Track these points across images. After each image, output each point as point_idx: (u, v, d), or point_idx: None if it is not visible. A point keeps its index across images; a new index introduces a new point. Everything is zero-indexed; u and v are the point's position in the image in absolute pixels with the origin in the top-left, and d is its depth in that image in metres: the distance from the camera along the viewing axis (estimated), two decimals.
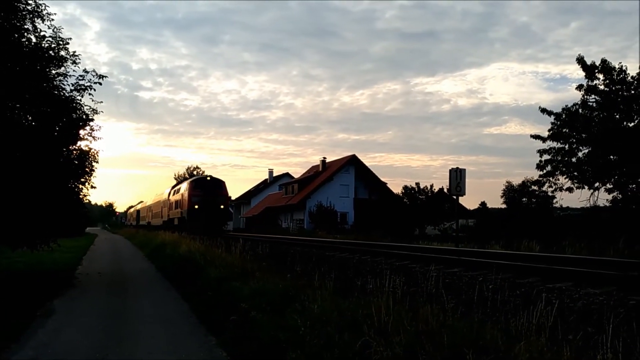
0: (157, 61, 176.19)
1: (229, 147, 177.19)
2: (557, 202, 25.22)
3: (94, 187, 16.91)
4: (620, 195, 20.56)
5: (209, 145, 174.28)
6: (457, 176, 18.25)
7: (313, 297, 7.54)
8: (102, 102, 14.60)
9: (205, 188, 35.87)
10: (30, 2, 12.58)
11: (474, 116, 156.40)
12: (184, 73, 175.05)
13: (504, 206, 35.56)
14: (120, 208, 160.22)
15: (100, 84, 14.09)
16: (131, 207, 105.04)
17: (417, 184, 49.33)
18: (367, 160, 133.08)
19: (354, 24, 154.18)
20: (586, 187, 21.64)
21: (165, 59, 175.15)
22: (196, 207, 34.29)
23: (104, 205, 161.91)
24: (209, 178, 38.22)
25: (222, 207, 35.57)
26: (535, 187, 28.01)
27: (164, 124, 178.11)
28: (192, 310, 10.27)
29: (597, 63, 21.29)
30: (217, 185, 36.75)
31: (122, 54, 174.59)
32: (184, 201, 36.84)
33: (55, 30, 13.27)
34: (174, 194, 43.36)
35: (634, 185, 20.46)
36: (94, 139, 15.31)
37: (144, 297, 12.49)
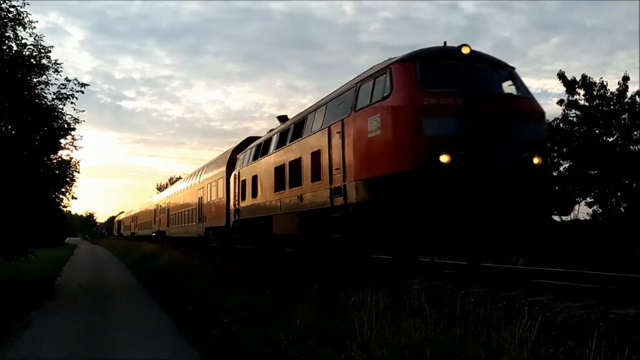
0: (141, 71, 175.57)
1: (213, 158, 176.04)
2: None
3: (75, 198, 16.74)
4: (600, 210, 20.80)
5: (192, 155, 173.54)
6: None
7: (296, 310, 7.49)
8: (84, 111, 14.48)
9: None
10: (11, 9, 12.49)
11: None
12: (167, 83, 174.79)
13: None
14: (101, 218, 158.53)
15: (83, 92, 13.97)
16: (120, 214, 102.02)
17: None
18: None
19: (337, 36, 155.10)
20: None
21: (148, 69, 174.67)
22: None
23: (84, 215, 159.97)
24: None
25: None
26: None
27: (146, 134, 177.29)
28: (174, 322, 10.15)
29: (578, 78, 21.59)
30: None
31: (105, 63, 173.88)
32: None
33: (37, 38, 13.18)
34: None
35: (614, 200, 20.72)
36: (75, 149, 15.16)
37: (124, 309, 12.32)
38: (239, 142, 23.05)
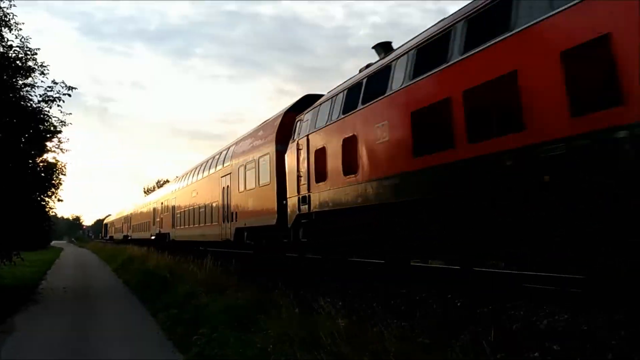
0: (128, 73, 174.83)
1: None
2: None
3: (61, 200, 16.59)
4: None
5: (180, 158, 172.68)
6: None
7: (278, 314, 7.48)
8: (70, 113, 14.37)
9: None
10: None
11: None
12: (155, 85, 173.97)
13: None
14: (87, 221, 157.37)
15: (70, 95, 13.87)
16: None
17: None
18: None
19: (325, 40, 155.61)
20: None
21: (136, 71, 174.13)
22: None
23: (70, 218, 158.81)
24: None
25: None
26: None
27: (133, 136, 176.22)
28: (160, 326, 10.09)
29: None
30: None
31: (93, 65, 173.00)
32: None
33: (23, 40, 13.06)
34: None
35: None
36: (62, 151, 15.04)
37: (110, 313, 12.21)
38: (295, 101, 16.32)
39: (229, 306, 8.90)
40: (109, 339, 9.10)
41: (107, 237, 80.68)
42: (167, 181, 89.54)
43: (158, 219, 36.48)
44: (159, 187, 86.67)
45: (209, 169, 24.01)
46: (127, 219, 53.10)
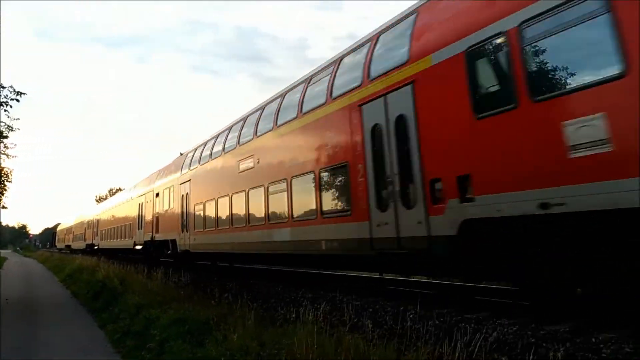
0: (85, 78, 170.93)
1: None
2: None
3: (5, 207, 16.02)
4: None
5: (135, 167, 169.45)
6: None
7: (235, 326, 7.39)
8: (18, 119, 13.95)
9: None
10: None
11: None
12: (112, 92, 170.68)
13: None
14: (35, 230, 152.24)
15: (18, 100, 13.46)
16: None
17: None
18: None
19: (285, 51, 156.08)
20: None
21: (93, 77, 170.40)
22: None
23: (16, 227, 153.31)
24: None
25: None
26: None
27: (87, 143, 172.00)
28: (108, 339, 9.84)
29: None
30: None
31: (47, 70, 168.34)
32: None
33: None
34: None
35: None
36: (8, 157, 14.55)
37: (56, 326, 11.80)
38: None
39: (180, 318, 8.74)
40: (54, 353, 8.80)
41: (59, 247, 76.34)
42: (120, 189, 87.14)
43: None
44: (111, 196, 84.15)
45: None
46: (92, 224, 44.89)
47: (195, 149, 19.62)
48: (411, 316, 7.00)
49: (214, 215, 16.27)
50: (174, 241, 20.23)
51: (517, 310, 7.05)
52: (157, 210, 23.32)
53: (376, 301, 8.49)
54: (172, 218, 20.81)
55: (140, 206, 26.99)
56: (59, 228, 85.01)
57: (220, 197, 15.61)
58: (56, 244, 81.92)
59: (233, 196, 14.80)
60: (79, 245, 53.11)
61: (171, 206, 21.18)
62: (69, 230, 67.15)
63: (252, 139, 14.12)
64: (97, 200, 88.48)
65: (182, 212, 19.52)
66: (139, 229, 27.01)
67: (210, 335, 7.49)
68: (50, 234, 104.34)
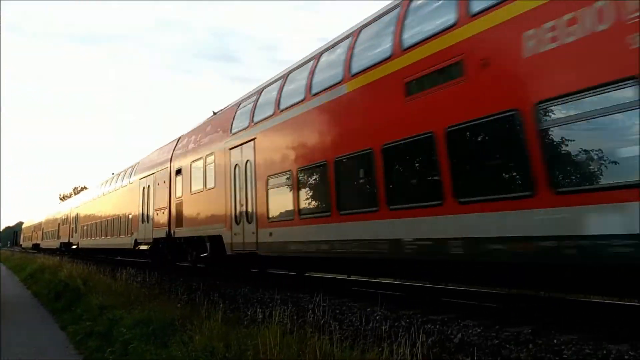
0: (56, 75, 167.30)
1: None
2: None
3: None
4: None
5: (104, 166, 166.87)
6: None
7: (201, 327, 7.31)
8: None
9: None
10: None
11: None
12: (84, 89, 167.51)
13: None
14: None
15: None
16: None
17: None
18: None
19: (256, 51, 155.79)
20: None
21: (64, 74, 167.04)
22: None
23: None
24: None
25: None
26: None
27: (54, 141, 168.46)
28: (70, 340, 9.65)
29: None
30: None
31: (11, 66, 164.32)
32: None
33: None
34: None
35: None
36: None
37: (16, 327, 11.50)
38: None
39: (144, 319, 8.61)
40: (13, 355, 8.57)
41: (24, 246, 73.47)
42: (84, 187, 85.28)
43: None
44: (75, 194, 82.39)
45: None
46: (69, 220, 39.83)
47: (263, 91, 13.14)
48: (377, 317, 7.03)
49: (312, 196, 10.48)
50: (216, 238, 14.00)
51: (482, 311, 7.14)
52: (179, 194, 16.93)
53: (343, 302, 8.51)
54: (211, 203, 14.53)
55: (145, 191, 20.52)
56: (24, 225, 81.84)
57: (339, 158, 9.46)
58: (21, 243, 78.88)
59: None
60: (51, 244, 46.56)
61: (209, 185, 14.71)
62: (37, 227, 60.93)
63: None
64: (61, 199, 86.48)
65: (234, 192, 13.17)
66: (142, 222, 20.44)
67: (175, 336, 7.39)
68: (12, 233, 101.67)
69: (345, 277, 12.52)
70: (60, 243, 40.64)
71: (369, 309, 7.59)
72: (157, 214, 18.79)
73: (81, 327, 10.06)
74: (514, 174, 6.41)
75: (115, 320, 9.39)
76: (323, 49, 10.93)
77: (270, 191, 11.57)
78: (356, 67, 9.22)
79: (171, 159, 18.10)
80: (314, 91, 10.36)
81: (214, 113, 17.03)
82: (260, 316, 7.75)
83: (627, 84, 4.92)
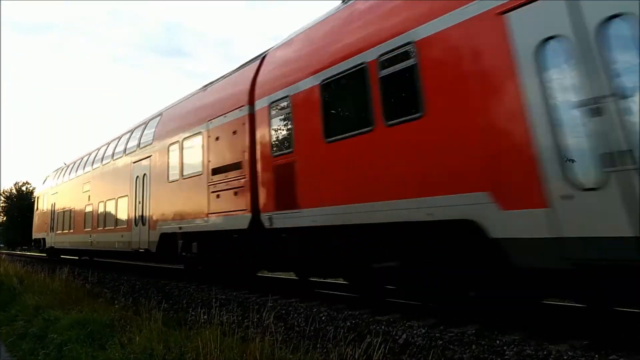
0: None
1: None
2: None
3: None
4: None
5: (49, 161, 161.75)
6: None
7: (142, 328, 7.07)
8: None
9: None
10: None
11: None
12: (27, 80, 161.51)
13: None
14: None
15: None
16: None
17: None
18: None
19: (209, 47, 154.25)
20: None
21: (4, 64, 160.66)
22: None
23: None
24: None
25: None
26: None
27: None
28: (2, 341, 9.18)
29: None
30: None
31: None
32: None
33: None
34: None
35: None
36: None
37: None
38: None
39: (82, 320, 8.27)
40: None
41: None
42: (28, 182, 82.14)
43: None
44: (16, 190, 79.33)
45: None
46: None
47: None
48: (323, 318, 6.96)
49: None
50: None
51: (426, 312, 7.15)
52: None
53: (290, 303, 8.41)
54: None
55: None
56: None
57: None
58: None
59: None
60: None
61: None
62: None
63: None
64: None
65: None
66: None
67: (114, 337, 7.12)
68: None
69: (294, 277, 12.41)
70: (34, 240, 31.08)
71: (315, 310, 7.51)
72: None
73: (14, 328, 9.59)
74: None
75: (51, 321, 9.00)
76: None
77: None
78: None
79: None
80: None
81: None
82: (204, 317, 7.57)
83: None
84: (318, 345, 5.81)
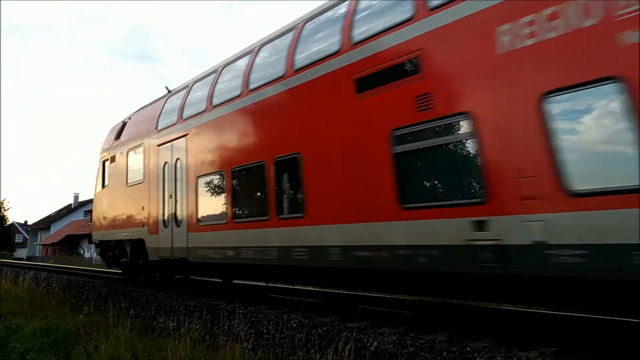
0: None
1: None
2: None
3: None
4: None
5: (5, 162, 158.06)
6: None
7: (107, 336, 6.91)
8: None
9: None
10: None
11: None
12: None
13: None
14: None
15: None
16: None
17: None
18: None
19: (179, 52, 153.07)
20: None
21: None
22: None
23: None
24: None
25: None
26: None
27: None
28: None
29: None
30: None
31: None
32: None
33: None
34: None
35: None
36: None
37: None
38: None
39: (46, 328, 8.05)
40: None
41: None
42: None
43: None
44: None
45: None
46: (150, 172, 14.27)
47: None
48: (294, 325, 6.89)
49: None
50: None
51: (397, 319, 7.16)
52: None
53: (260, 310, 8.32)
54: None
55: None
56: None
57: None
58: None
59: None
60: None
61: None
62: None
63: None
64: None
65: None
66: None
67: (79, 345, 6.94)
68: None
69: (264, 284, 12.32)
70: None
71: (285, 317, 7.44)
72: None
73: None
74: None
75: (13, 329, 8.75)
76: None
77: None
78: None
79: None
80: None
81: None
82: (172, 324, 7.45)
83: None
84: (287, 352, 5.76)
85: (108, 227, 14.44)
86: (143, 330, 7.58)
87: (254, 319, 7.70)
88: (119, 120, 15.90)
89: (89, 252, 55.87)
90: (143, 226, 12.55)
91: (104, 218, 14.80)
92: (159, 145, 12.32)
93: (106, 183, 15.10)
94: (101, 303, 9.98)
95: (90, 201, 73.88)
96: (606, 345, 5.22)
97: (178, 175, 11.36)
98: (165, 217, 11.63)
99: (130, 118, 15.12)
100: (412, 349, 5.44)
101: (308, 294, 10.81)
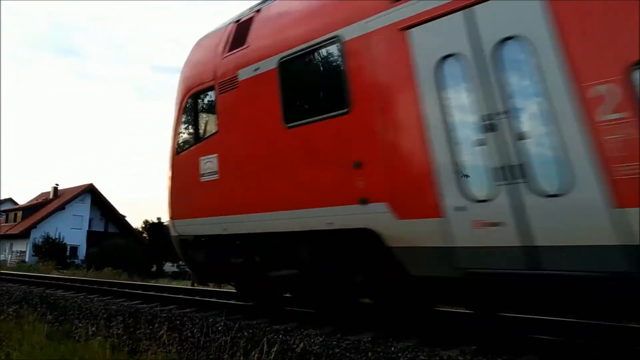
0: None
1: None
2: None
3: None
4: None
5: None
6: None
7: (21, 342, 6.55)
8: None
9: None
10: None
11: None
12: None
13: None
14: None
15: None
16: None
17: (159, 218, 48.22)
18: (106, 190, 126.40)
19: (104, 48, 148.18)
20: None
21: None
22: None
23: None
24: None
25: None
26: None
27: None
28: None
29: None
30: None
31: None
32: None
33: None
34: None
35: None
36: None
37: None
38: None
39: None
40: None
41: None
42: None
43: None
44: None
45: None
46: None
47: None
48: (219, 328, 6.80)
49: None
50: None
51: (323, 321, 7.20)
52: None
53: (185, 313, 8.16)
54: None
55: None
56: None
57: None
58: None
59: None
60: None
61: None
62: None
63: None
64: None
65: None
66: None
67: None
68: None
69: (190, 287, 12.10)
70: None
71: (211, 320, 7.33)
72: None
73: None
74: None
75: None
76: None
77: None
78: None
79: None
80: None
81: None
82: (92, 329, 7.17)
83: None
84: (212, 357, 5.67)
85: (225, 211, 7.93)
86: (61, 336, 7.24)
87: (178, 322, 7.55)
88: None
89: (3, 253, 53.00)
90: (368, 201, 6.05)
91: (209, 195, 8.23)
92: (415, 25, 5.83)
93: (210, 131, 8.58)
94: (15, 308, 9.44)
95: (7, 201, 68.57)
96: (525, 342, 5.45)
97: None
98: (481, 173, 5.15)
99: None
100: (337, 350, 5.49)
101: (231, 297, 10.71)
